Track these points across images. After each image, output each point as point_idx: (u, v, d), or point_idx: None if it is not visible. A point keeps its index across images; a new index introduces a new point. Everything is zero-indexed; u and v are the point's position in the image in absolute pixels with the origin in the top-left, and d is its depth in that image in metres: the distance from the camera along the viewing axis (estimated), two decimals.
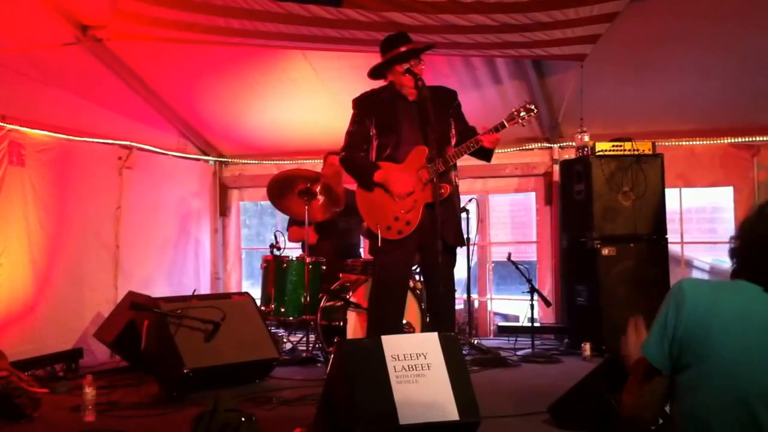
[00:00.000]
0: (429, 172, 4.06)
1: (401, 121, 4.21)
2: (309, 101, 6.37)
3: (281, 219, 7.08)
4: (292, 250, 6.04)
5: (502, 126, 4.13)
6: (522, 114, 4.15)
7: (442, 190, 4.05)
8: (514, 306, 7.12)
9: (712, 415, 1.73)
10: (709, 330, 1.76)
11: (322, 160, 6.23)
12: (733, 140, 6.22)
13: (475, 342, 5.91)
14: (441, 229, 3.90)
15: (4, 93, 4.93)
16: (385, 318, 4.16)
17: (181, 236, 7.03)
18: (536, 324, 6.00)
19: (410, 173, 4.14)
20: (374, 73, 4.30)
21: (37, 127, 5.26)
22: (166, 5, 4.64)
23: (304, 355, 5.55)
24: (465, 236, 5.14)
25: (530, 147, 6.73)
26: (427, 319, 4.93)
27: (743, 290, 1.81)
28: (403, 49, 4.13)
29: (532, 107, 4.17)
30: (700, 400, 1.75)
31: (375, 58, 4.33)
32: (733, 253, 1.89)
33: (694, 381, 1.77)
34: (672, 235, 5.95)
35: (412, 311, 4.98)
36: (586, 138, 5.86)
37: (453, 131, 4.28)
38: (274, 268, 5.56)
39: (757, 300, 1.79)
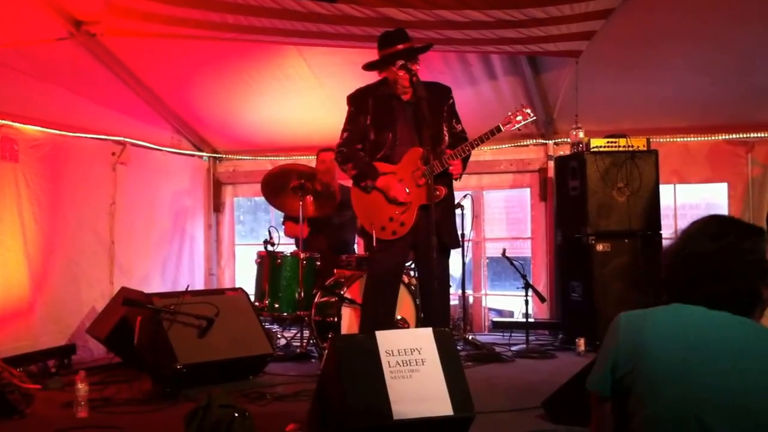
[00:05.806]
0: (424, 174, 4.05)
1: (397, 120, 4.21)
2: (303, 97, 6.35)
3: (275, 215, 7.06)
4: (287, 246, 6.04)
5: (498, 130, 4.14)
6: (518, 118, 4.15)
7: (438, 192, 4.05)
8: (509, 302, 7.12)
9: (663, 429, 1.71)
10: (645, 347, 1.76)
11: (315, 157, 6.22)
12: (727, 137, 6.24)
13: (470, 337, 5.92)
14: (437, 230, 3.90)
15: None
16: (378, 317, 4.16)
17: (175, 232, 7.01)
18: (531, 320, 6.00)
19: (406, 175, 4.13)
20: (369, 67, 4.28)
21: (30, 122, 5.23)
22: (160, 0, 4.62)
23: (298, 350, 5.54)
24: (459, 233, 5.14)
25: (525, 143, 6.74)
26: (422, 315, 4.93)
27: (675, 309, 1.82)
28: (400, 47, 4.11)
29: (529, 112, 4.18)
30: (651, 415, 1.72)
31: (370, 54, 4.32)
32: (664, 284, 1.89)
33: (642, 398, 1.75)
34: (666, 231, 5.96)
35: (406, 307, 4.99)
36: (581, 134, 5.86)
37: (446, 130, 4.27)
38: (268, 263, 5.55)
39: (694, 314, 1.78)
